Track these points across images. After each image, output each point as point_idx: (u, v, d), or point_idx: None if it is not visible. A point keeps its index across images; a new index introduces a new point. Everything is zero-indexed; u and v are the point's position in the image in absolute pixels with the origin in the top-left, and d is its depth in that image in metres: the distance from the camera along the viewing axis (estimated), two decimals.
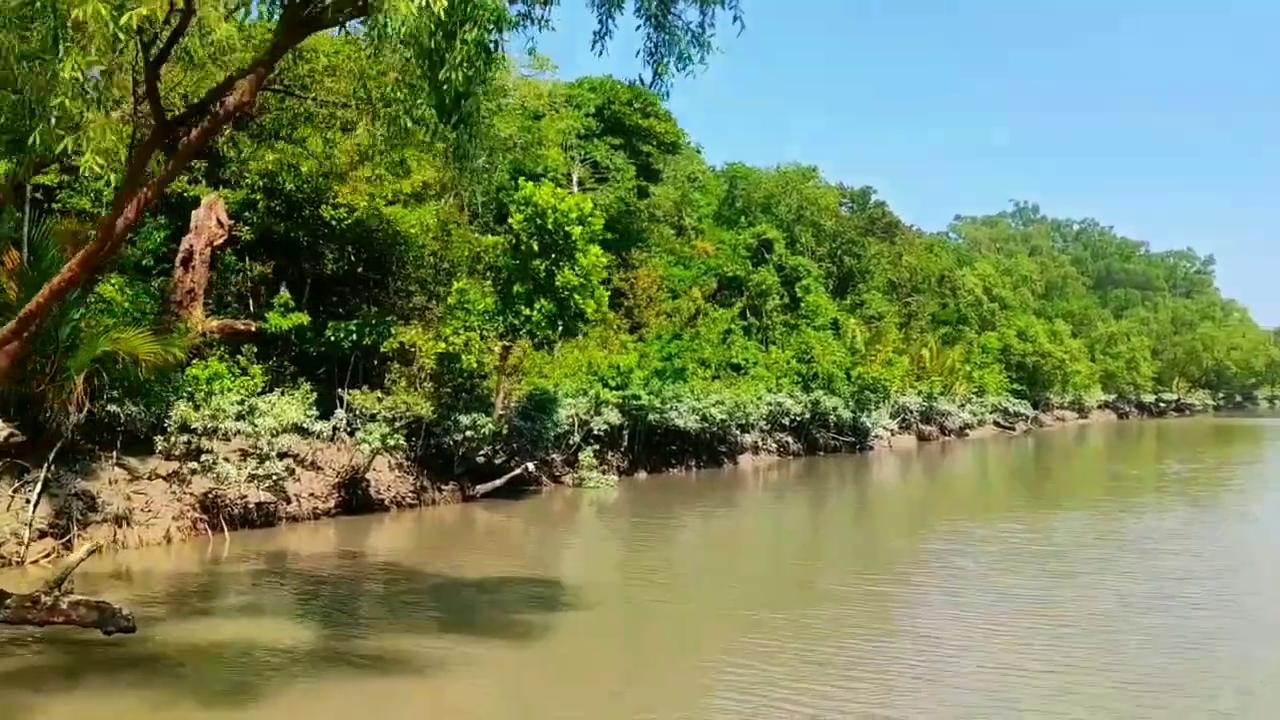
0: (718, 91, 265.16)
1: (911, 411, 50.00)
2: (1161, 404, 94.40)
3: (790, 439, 38.40)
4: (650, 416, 29.12)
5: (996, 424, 63.02)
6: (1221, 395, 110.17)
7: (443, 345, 20.31)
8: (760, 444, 36.57)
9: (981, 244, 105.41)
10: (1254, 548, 18.17)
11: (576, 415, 26.68)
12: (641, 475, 29.95)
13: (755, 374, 36.20)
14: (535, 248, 20.56)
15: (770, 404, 36.39)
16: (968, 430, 55.64)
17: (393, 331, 21.01)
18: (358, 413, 20.13)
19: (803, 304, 41.51)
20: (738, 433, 33.56)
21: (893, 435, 47.30)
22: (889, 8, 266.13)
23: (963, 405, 56.25)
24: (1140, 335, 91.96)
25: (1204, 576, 14.84)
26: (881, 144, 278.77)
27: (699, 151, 54.10)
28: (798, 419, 37.84)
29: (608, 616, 12.73)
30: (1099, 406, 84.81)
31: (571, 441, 26.79)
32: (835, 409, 38.72)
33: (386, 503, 20.75)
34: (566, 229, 20.60)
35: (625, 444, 29.77)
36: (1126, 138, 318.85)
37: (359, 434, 19.73)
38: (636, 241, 37.35)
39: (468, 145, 8.90)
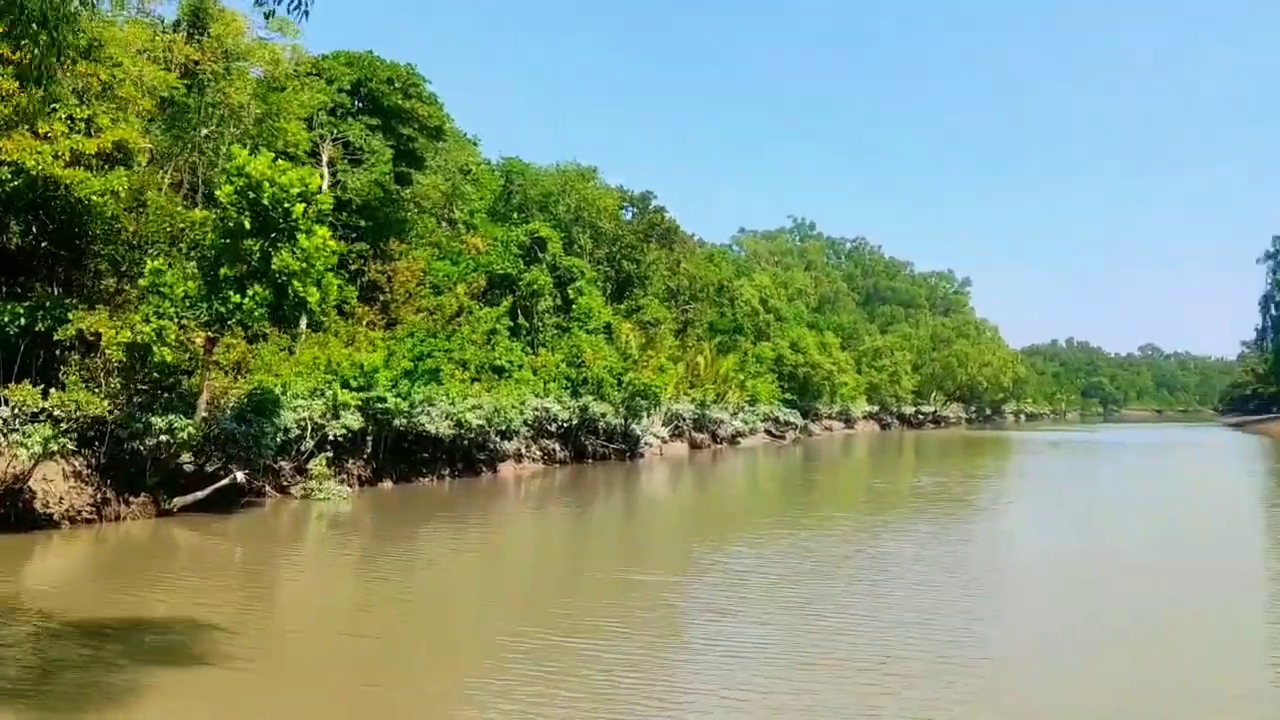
0: (501, 88, 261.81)
1: (684, 419, 49.51)
2: (920, 416, 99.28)
3: (557, 446, 36.69)
4: (397, 421, 26.66)
5: (768, 433, 63.85)
6: (973, 409, 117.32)
7: (128, 334, 17.21)
8: (524, 451, 34.68)
9: (761, 257, 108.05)
10: (972, 569, 17.61)
11: (310, 418, 23.89)
12: (387, 485, 27.42)
13: (520, 377, 34.27)
14: (248, 225, 17.71)
15: (536, 409, 34.57)
16: (739, 438, 55.85)
17: (69, 317, 17.73)
18: (15, 410, 16.76)
19: (575, 306, 39.93)
20: (497, 439, 31.49)
21: (664, 443, 46.56)
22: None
23: (735, 413, 56.44)
24: (903, 350, 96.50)
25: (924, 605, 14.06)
26: (670, 155, 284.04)
27: (475, 144, 51.74)
28: (565, 425, 36.21)
29: (273, 656, 10.41)
30: (864, 417, 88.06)
31: (304, 448, 23.99)
32: (605, 415, 37.32)
33: (56, 518, 17.46)
34: (286, 206, 17.88)
35: (369, 451, 27.19)
36: (899, 163, 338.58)
37: (15, 436, 16.41)
38: (397, 232, 34.69)
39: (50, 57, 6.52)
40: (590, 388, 37.13)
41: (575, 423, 36.66)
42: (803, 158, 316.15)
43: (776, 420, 65.08)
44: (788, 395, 68.81)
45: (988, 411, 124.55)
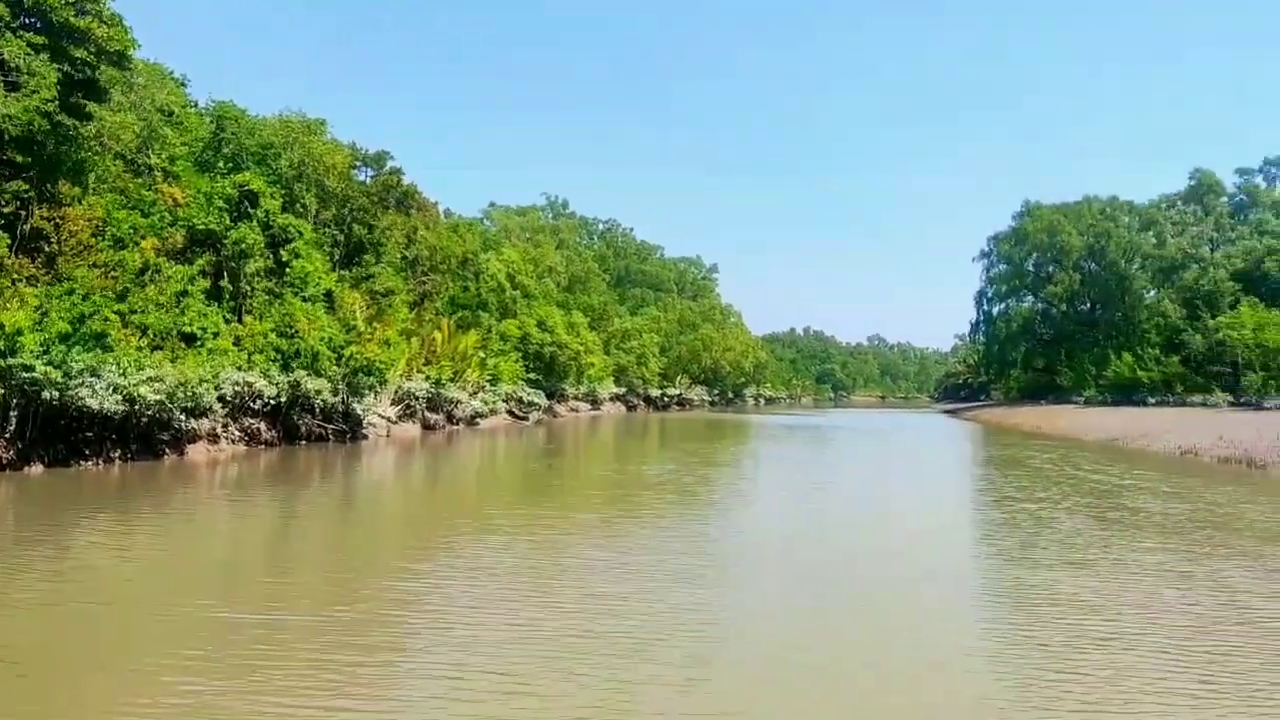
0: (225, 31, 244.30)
1: (417, 398, 46.26)
2: (666, 398, 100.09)
3: (263, 426, 32.74)
4: (48, 394, 22.24)
5: (510, 413, 61.51)
6: (717, 392, 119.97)
7: None
8: (220, 432, 30.59)
9: (513, 232, 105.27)
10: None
11: None
12: (36, 469, 22.90)
13: (215, 346, 30.09)
14: None
15: (236, 384, 30.55)
16: (478, 419, 53.14)
17: None
18: None
19: (290, 270, 35.85)
20: (183, 418, 27.34)
21: (393, 423, 43.24)
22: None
23: (475, 393, 53.70)
24: (651, 333, 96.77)
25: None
26: (416, 124, 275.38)
27: (183, 84, 46.00)
28: (272, 402, 32.30)
29: None
30: (611, 398, 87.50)
31: None
32: (320, 393, 33.65)
33: None
34: None
35: (12, 428, 22.60)
36: (649, 147, 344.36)
37: None
38: (69, 173, 29.52)
39: None
40: (304, 361, 33.35)
41: (285, 400, 32.83)
42: (558, 135, 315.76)
43: (520, 400, 62.85)
44: (533, 375, 66.76)
45: (730, 395, 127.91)
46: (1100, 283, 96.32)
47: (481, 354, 54.77)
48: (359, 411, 36.66)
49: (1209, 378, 66.92)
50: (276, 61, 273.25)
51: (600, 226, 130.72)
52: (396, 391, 44.98)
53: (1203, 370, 68.26)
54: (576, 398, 77.74)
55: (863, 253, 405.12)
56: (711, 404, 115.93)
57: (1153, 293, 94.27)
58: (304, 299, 35.80)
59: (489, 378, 57.19)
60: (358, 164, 50.13)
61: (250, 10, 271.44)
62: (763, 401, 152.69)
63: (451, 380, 49.68)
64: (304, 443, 34.73)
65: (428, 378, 47.12)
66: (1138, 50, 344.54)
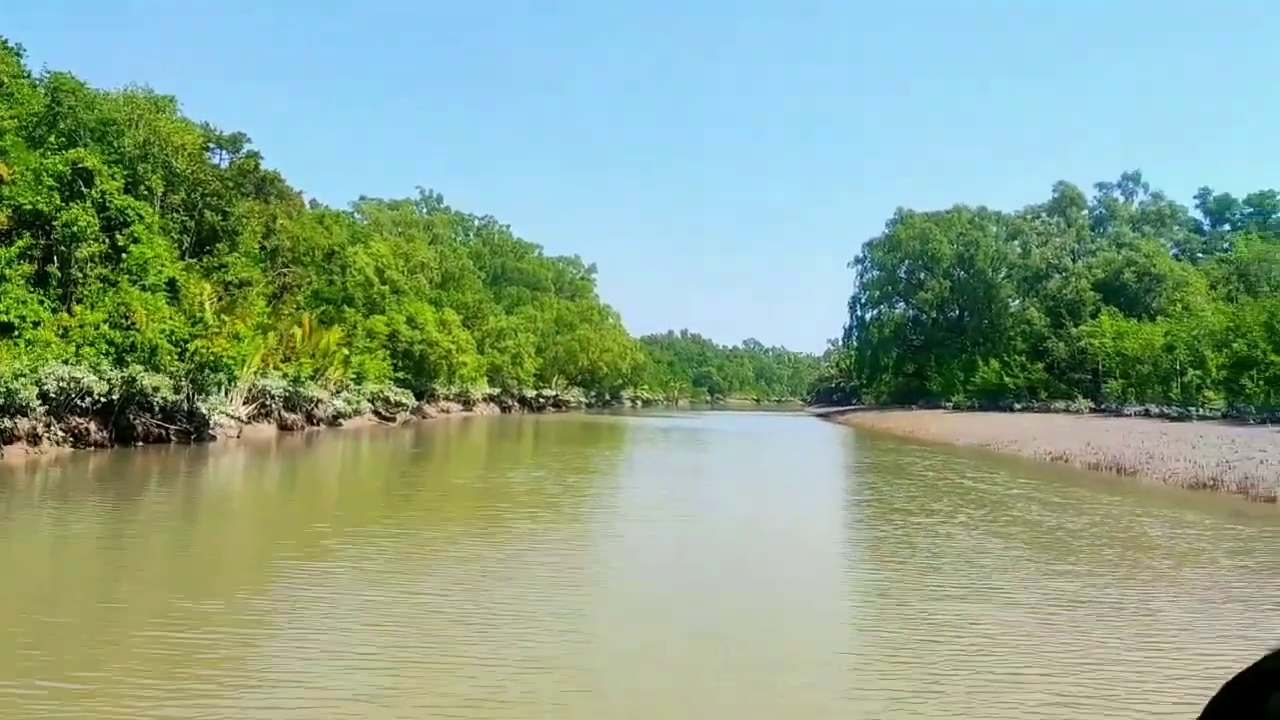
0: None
1: (273, 396, 43.30)
2: (542, 399, 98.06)
3: (93, 426, 29.65)
4: None
5: (377, 414, 58.71)
6: (594, 393, 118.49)
7: None
8: (42, 432, 27.48)
9: (384, 226, 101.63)
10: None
11: None
12: None
13: (36, 338, 26.98)
14: None
15: (60, 379, 27.48)
16: (341, 420, 50.30)
17: None
18: None
19: (128, 256, 32.68)
20: None
21: (244, 423, 40.26)
22: None
23: (337, 392, 50.83)
24: (527, 332, 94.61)
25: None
26: (284, 111, 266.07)
27: (17, 53, 41.98)
28: (103, 400, 29.25)
29: None
30: (484, 399, 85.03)
31: None
32: (159, 390, 30.68)
33: None
34: None
35: None
36: (536, 145, 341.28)
37: None
38: None
39: None
40: (141, 355, 30.37)
41: (118, 398, 29.79)
42: (433, 129, 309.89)
43: (387, 400, 60.06)
44: (401, 374, 64.00)
45: (607, 396, 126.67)
46: (969, 290, 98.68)
47: (345, 351, 51.90)
48: (204, 411, 33.70)
49: (1071, 384, 68.87)
50: (133, 44, 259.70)
51: (476, 223, 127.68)
52: (250, 389, 41.96)
53: (1065, 377, 70.25)
54: (448, 398, 75.06)
55: (740, 256, 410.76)
56: (588, 405, 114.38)
57: (1018, 301, 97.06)
58: (143, 288, 32.69)
59: (353, 376, 54.33)
60: (211, 146, 46.74)
61: None
62: (640, 403, 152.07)
63: (312, 378, 46.80)
64: (141, 444, 31.70)
65: (285, 375, 44.20)
66: (1014, 63, 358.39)
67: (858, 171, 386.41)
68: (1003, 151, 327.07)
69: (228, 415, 36.24)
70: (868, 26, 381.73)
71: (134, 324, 30.66)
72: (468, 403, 79.88)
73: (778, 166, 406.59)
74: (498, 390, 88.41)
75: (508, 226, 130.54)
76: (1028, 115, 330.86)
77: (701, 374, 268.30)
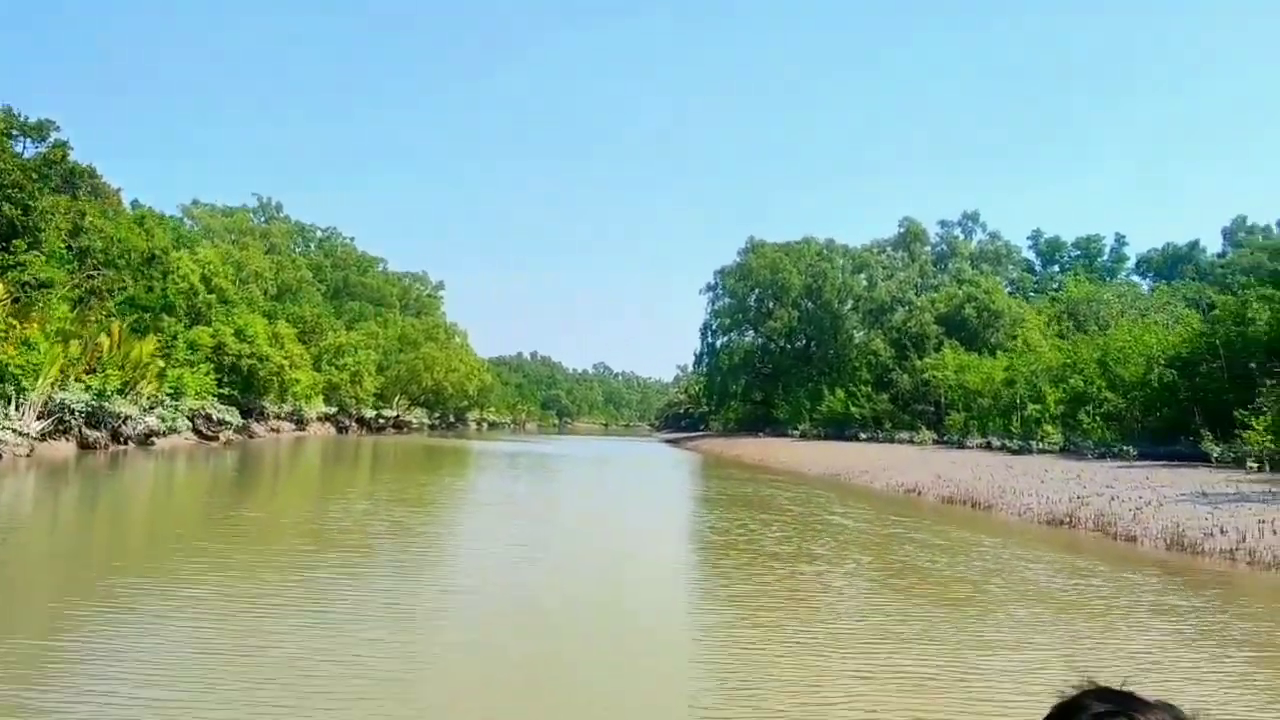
0: None
1: (74, 412, 38.91)
2: (382, 419, 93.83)
3: None
4: None
5: (198, 432, 54.19)
6: (438, 414, 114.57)
7: None
8: None
9: (216, 233, 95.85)
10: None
11: None
12: None
13: None
14: None
15: None
16: (154, 438, 45.86)
17: None
18: None
19: None
20: None
21: (38, 441, 35.87)
22: None
23: (151, 408, 46.42)
24: (368, 349, 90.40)
25: None
26: (116, 110, 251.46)
27: None
28: None
29: None
30: (320, 419, 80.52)
31: None
32: None
33: None
34: None
35: None
36: (385, 158, 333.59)
37: None
38: None
39: None
40: None
41: None
42: (272, 135, 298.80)
43: (209, 418, 55.58)
44: (227, 390, 59.53)
45: (451, 418, 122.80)
46: (816, 320, 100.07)
47: (161, 363, 47.52)
48: None
49: (915, 415, 69.92)
50: None
51: (319, 234, 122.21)
52: (46, 403, 37.54)
53: (909, 408, 71.33)
54: (279, 417, 70.49)
55: (593, 279, 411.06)
56: (432, 427, 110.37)
57: (862, 332, 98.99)
58: None
59: (170, 390, 49.88)
60: (13, 133, 41.94)
61: None
62: (486, 426, 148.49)
63: (120, 392, 42.43)
64: None
65: (89, 388, 39.83)
66: (868, 97, 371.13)
67: (712, 198, 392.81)
68: (851, 184, 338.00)
69: (13, 432, 31.96)
70: (726, 47, 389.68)
71: None
72: (301, 422, 75.32)
73: (633, 191, 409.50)
74: (334, 410, 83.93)
75: (351, 239, 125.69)
76: (876, 149, 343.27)
77: (550, 397, 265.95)
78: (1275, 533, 20.20)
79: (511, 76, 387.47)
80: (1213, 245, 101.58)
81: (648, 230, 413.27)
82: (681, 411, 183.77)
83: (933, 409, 68.34)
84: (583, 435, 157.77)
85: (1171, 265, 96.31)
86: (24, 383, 30.56)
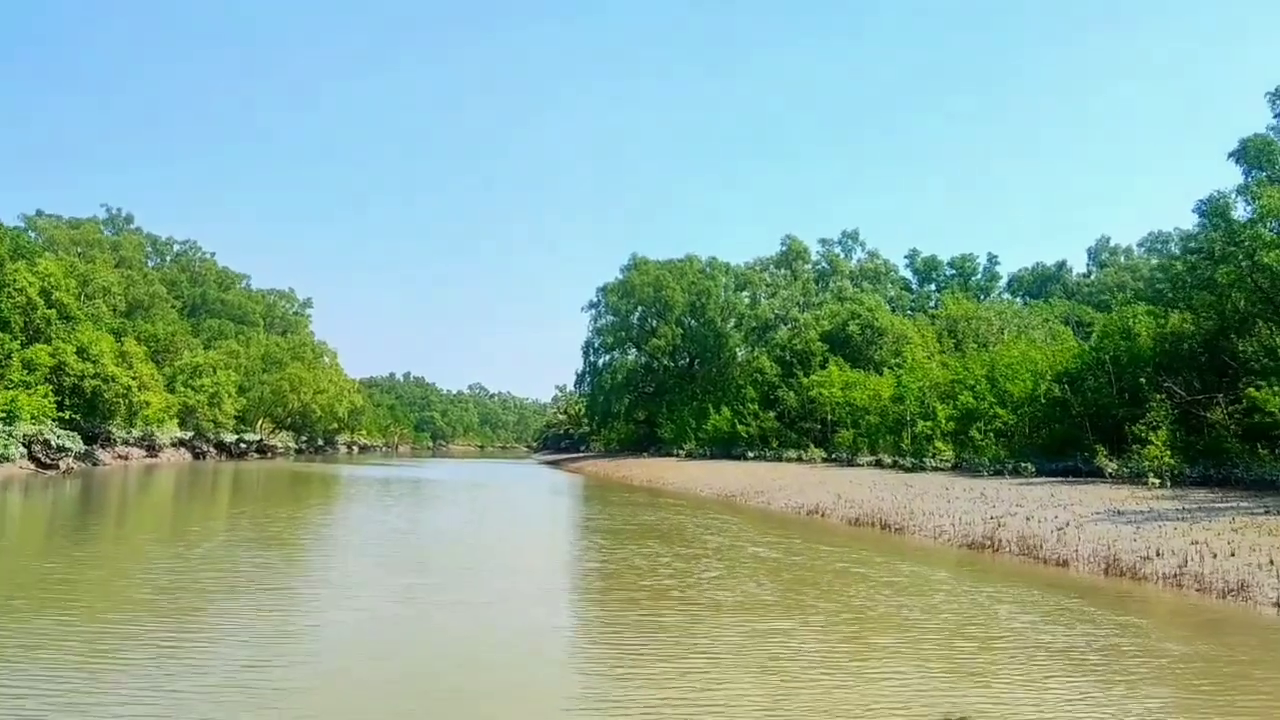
0: None
1: None
2: (244, 444, 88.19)
3: None
4: None
5: (36, 460, 49.08)
6: (305, 438, 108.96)
7: None
8: None
9: (62, 245, 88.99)
10: None
11: None
12: None
13: None
14: None
15: None
16: None
17: None
18: None
19: None
20: None
21: None
22: None
23: None
24: (228, 370, 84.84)
25: None
26: None
27: None
28: None
29: None
30: (174, 444, 74.85)
31: None
32: None
33: None
34: None
35: None
36: (248, 169, 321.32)
37: None
38: None
39: None
40: None
41: None
42: (125, 141, 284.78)
43: (47, 444, 50.44)
44: (69, 414, 54.30)
45: (320, 442, 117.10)
46: (700, 338, 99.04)
47: None
48: None
49: (802, 433, 69.08)
50: None
51: (175, 247, 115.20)
52: None
53: (796, 426, 70.48)
54: (128, 442, 65.01)
55: (467, 298, 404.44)
56: (299, 452, 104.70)
57: (745, 350, 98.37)
58: None
59: (2, 414, 44.84)
60: None
61: None
62: (357, 449, 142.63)
63: None
64: None
65: None
66: (752, 112, 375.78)
67: (593, 215, 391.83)
68: (735, 201, 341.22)
69: None
70: (606, 57, 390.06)
71: None
72: (153, 448, 69.75)
73: (510, 209, 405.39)
74: (191, 434, 78.24)
75: (212, 254, 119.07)
76: (760, 166, 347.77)
77: (425, 419, 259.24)
78: (1215, 555, 19.05)
79: (387, 83, 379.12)
80: (1078, 265, 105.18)
81: (526, 248, 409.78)
82: (561, 432, 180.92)
83: (820, 427, 67.61)
84: (458, 458, 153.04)
85: (1041, 284, 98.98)
86: None
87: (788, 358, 78.54)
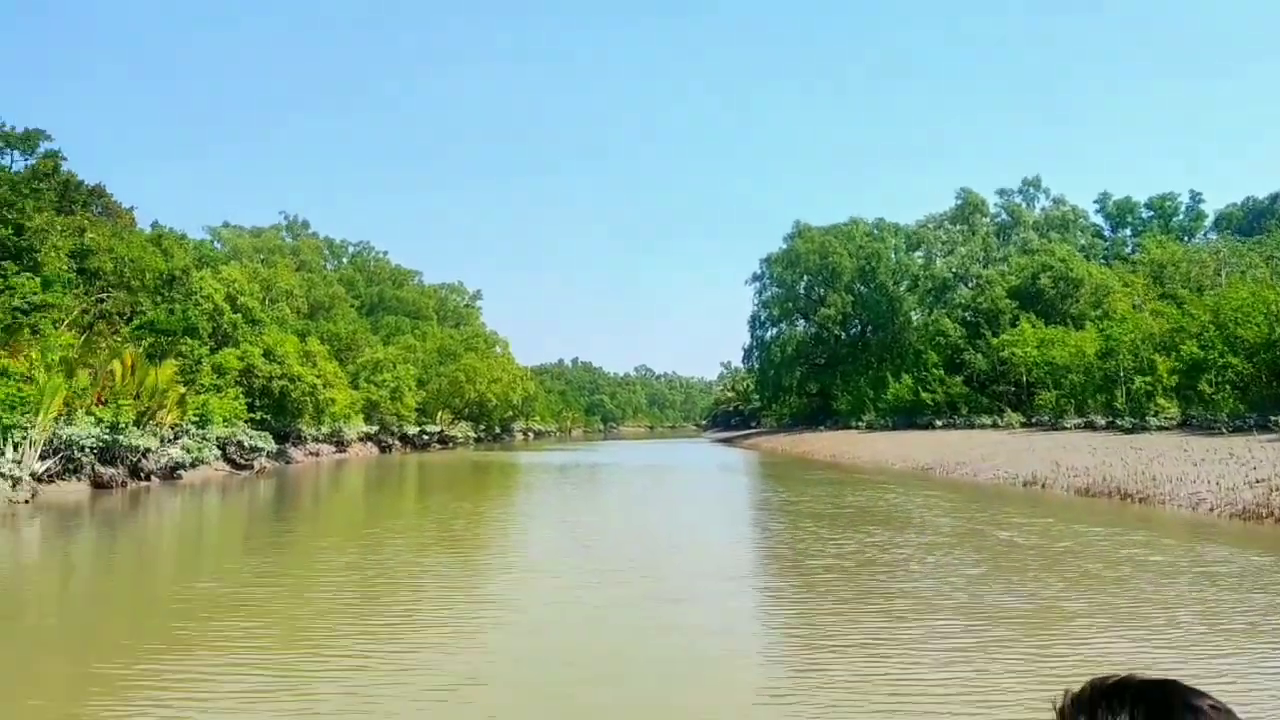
0: None
1: (84, 448, 35.09)
2: (426, 435, 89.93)
3: None
4: None
5: (230, 461, 50.47)
6: (483, 427, 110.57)
7: None
8: None
9: (244, 253, 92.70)
10: None
11: None
12: None
13: None
14: None
15: None
16: (181, 471, 42.08)
17: None
18: None
19: None
20: None
21: (41, 483, 32.10)
22: None
23: (174, 438, 42.63)
24: (406, 364, 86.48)
25: None
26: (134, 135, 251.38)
27: None
28: None
29: None
30: (361, 439, 76.67)
31: None
32: None
33: None
34: None
35: None
36: (413, 169, 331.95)
37: None
38: None
39: None
40: None
41: None
42: (298, 153, 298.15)
43: (241, 446, 51.79)
44: (260, 414, 55.74)
45: (497, 430, 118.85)
46: (871, 304, 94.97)
47: (181, 389, 43.68)
48: None
49: (995, 398, 64.73)
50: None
51: (350, 249, 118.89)
52: (52, 440, 33.74)
53: (987, 390, 66.13)
54: (317, 439, 66.70)
55: (630, 280, 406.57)
56: (478, 440, 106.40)
57: (919, 314, 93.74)
58: None
59: (195, 419, 46.08)
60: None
61: None
62: (532, 436, 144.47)
63: (136, 423, 38.59)
64: None
65: (98, 420, 35.99)
66: (902, 66, 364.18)
67: (750, 189, 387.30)
68: (898, 161, 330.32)
69: (1, 475, 28.02)
70: (751, 33, 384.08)
71: None
72: (341, 444, 71.50)
73: (666, 187, 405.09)
74: (376, 428, 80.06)
75: (385, 253, 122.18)
76: (921, 122, 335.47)
77: (594, 402, 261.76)
78: None
79: (536, 78, 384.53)
80: None
81: (684, 227, 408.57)
82: (730, 409, 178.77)
83: (1014, 389, 63.09)
84: (630, 440, 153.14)
85: (1254, 220, 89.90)
86: (6, 419, 26.44)
87: (972, 318, 73.90)
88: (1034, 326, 63.52)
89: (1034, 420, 56.46)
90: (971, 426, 62.22)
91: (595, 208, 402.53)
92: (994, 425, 59.66)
